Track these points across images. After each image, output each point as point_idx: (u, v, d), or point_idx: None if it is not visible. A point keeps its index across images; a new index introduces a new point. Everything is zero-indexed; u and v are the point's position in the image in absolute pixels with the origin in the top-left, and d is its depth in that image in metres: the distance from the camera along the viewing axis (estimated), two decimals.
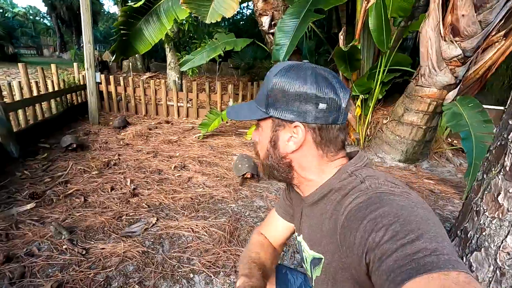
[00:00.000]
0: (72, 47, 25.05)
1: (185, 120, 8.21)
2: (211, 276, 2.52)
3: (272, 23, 5.81)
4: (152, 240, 2.97)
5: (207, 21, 4.77)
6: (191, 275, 2.53)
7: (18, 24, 29.91)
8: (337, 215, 0.82)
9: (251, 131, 6.63)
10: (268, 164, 0.99)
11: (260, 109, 0.94)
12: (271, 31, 5.90)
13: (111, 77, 8.26)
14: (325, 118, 0.87)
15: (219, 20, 4.82)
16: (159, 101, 8.58)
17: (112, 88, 8.34)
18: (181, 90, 8.57)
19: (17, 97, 5.51)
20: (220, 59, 12.76)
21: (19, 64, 5.68)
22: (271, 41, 5.85)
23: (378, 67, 5.34)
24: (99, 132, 6.57)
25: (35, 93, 6.02)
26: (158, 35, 6.23)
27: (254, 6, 5.52)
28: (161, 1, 6.00)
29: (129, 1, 11.84)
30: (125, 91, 8.38)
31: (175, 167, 4.91)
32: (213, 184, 4.37)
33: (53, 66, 6.96)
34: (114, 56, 6.57)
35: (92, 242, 2.85)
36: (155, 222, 3.23)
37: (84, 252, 2.71)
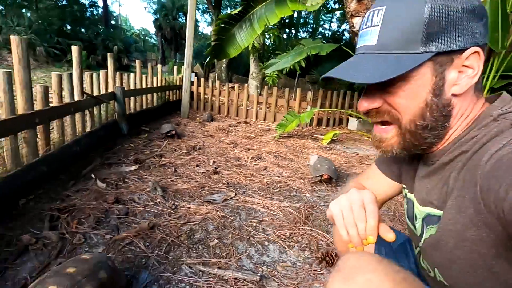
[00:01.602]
0: (170, 60, 28.74)
1: (262, 123, 8.56)
2: (285, 248, 2.51)
3: None
4: (230, 209, 3.14)
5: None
6: (266, 243, 2.58)
7: (133, 41, 36.00)
8: (476, 165, 0.67)
9: (328, 137, 6.50)
10: (420, 127, 0.76)
11: (408, 53, 0.69)
12: None
13: (202, 80, 9.22)
14: (486, 36, 0.71)
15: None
16: (240, 105, 9.16)
17: (201, 90, 9.29)
18: (261, 95, 8.98)
19: (131, 87, 6.62)
20: (300, 72, 12.95)
21: (137, 61, 6.81)
22: None
23: (488, 71, 4.70)
24: (188, 124, 7.36)
25: (144, 86, 7.13)
26: (249, 39, 6.76)
27: (346, 8, 5.55)
28: (256, 9, 6.53)
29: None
30: (212, 93, 9.23)
31: (252, 157, 5.15)
32: (288, 175, 4.42)
33: (159, 66, 8.16)
34: (208, 59, 7.35)
35: (180, 202, 3.16)
36: (233, 196, 3.41)
37: (173, 207, 3.02)
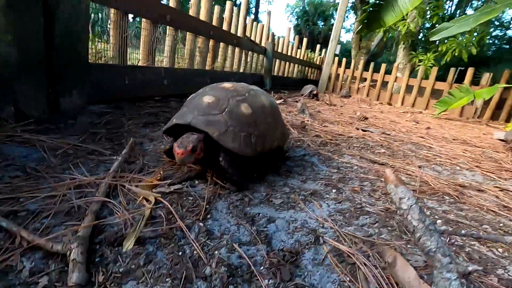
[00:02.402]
0: None
1: (410, 109, 7.35)
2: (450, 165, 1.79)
3: None
4: (386, 137, 2.61)
5: None
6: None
7: None
8: None
9: None
10: None
11: None
12: None
13: (344, 60, 8.74)
14: None
15: None
16: (382, 90, 8.19)
17: (341, 70, 8.81)
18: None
19: (279, 50, 6.86)
20: (462, 68, 10.58)
21: (297, 36, 7.01)
22: None
23: None
24: (324, 96, 7.09)
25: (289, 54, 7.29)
26: (414, 2, 5.83)
27: None
28: None
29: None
30: (352, 74, 8.61)
31: (406, 120, 4.36)
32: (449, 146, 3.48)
33: (305, 40, 8.20)
34: (359, 27, 6.78)
35: (329, 125, 2.81)
36: (390, 134, 2.85)
37: (323, 125, 2.70)
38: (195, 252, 0.95)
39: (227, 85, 1.65)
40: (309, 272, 0.94)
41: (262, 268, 0.93)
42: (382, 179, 1.80)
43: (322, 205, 1.40)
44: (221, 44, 4.29)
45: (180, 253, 0.95)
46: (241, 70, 5.06)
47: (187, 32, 3.63)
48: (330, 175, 1.81)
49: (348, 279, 0.92)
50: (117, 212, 1.11)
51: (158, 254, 0.93)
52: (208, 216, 1.18)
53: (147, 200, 1.19)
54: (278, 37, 7.04)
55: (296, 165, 1.92)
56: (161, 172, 1.47)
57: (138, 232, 0.96)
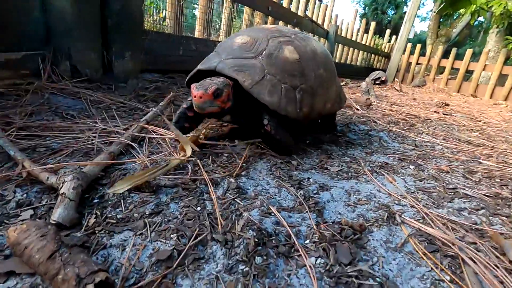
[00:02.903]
0: None
1: (504, 103, 6.12)
2: None
3: None
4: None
5: None
6: None
7: None
8: None
9: None
10: None
11: None
12: None
13: (418, 46, 7.70)
14: None
15: None
16: (466, 79, 6.98)
17: (413, 58, 7.78)
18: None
19: (343, 34, 6.30)
20: None
21: (363, 19, 6.38)
22: None
23: None
24: (392, 85, 6.31)
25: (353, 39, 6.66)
26: None
27: None
28: None
29: None
30: (428, 62, 7.53)
31: (501, 111, 3.53)
32: None
33: (372, 24, 7.42)
34: (441, 6, 5.86)
35: (398, 107, 2.31)
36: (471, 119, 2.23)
37: (391, 107, 2.21)
38: (218, 210, 0.71)
39: (268, 26, 1.33)
40: (379, 257, 0.63)
41: (307, 241, 0.64)
42: (480, 161, 1.34)
43: (397, 179, 1.04)
44: (280, 23, 4.00)
45: (199, 208, 0.71)
46: None
47: (245, 6, 3.44)
48: (405, 151, 1.41)
49: (448, 278, 0.58)
50: (139, 157, 0.94)
51: (171, 205, 0.72)
52: (243, 173, 0.93)
53: (183, 151, 0.99)
54: (342, 20, 6.48)
55: (359, 138, 1.56)
56: (204, 131, 1.28)
57: (144, 178, 0.75)
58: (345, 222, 0.69)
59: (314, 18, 5.19)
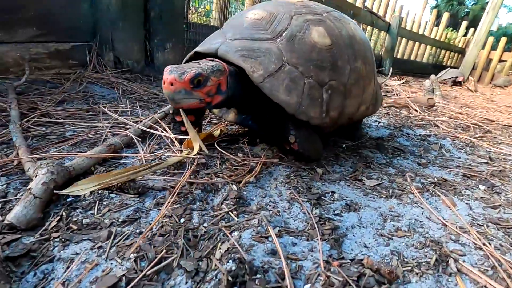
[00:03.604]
0: None
1: None
2: None
3: None
4: None
5: None
6: None
7: None
8: None
9: None
10: None
11: None
12: None
13: (502, 40, 6.55)
14: None
15: None
16: None
17: (495, 54, 6.64)
18: None
19: (407, 27, 5.65)
20: None
21: (434, 9, 5.69)
22: None
23: None
24: (466, 84, 5.47)
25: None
26: None
27: None
28: None
29: None
30: None
31: None
32: None
33: (445, 15, 6.54)
34: None
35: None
36: None
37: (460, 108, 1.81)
38: (204, 225, 0.57)
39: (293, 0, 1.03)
40: None
41: (308, 287, 0.47)
42: None
43: (458, 204, 0.78)
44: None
45: (182, 220, 0.58)
46: None
47: None
48: (474, 165, 1.10)
49: None
50: (141, 152, 0.85)
51: (152, 213, 0.60)
52: (252, 179, 0.78)
53: (191, 148, 0.88)
54: (408, 12, 5.80)
55: (413, 145, 1.28)
56: (222, 128, 1.16)
57: (122, 177, 0.63)
58: (369, 263, 0.50)
59: (374, 10, 4.73)
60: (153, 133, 0.99)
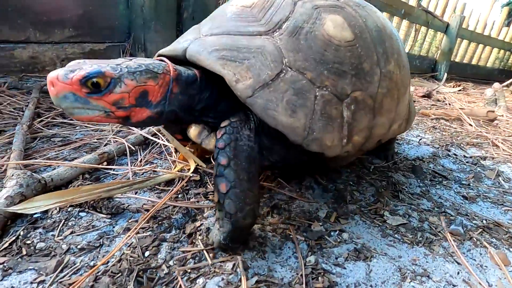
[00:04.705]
0: None
1: None
2: None
3: None
4: None
5: None
6: None
7: None
8: None
9: None
10: None
11: None
12: None
13: None
14: None
15: None
16: None
17: None
18: None
19: (470, 28, 5.04)
20: None
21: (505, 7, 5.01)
22: None
23: None
24: None
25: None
26: None
27: None
28: None
29: None
30: None
31: None
32: None
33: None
34: None
35: None
36: None
37: None
38: (169, 263, 0.48)
39: None
40: None
41: None
42: None
43: None
44: (384, 14, 3.41)
45: (147, 253, 0.50)
46: (405, 50, 3.96)
47: None
48: None
49: None
50: (135, 163, 0.80)
51: (116, 241, 0.53)
52: None
53: (185, 161, 0.80)
54: (471, 10, 5.17)
55: (460, 169, 1.05)
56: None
57: (88, 195, 0.56)
58: None
59: (430, 9, 4.28)
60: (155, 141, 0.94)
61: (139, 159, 0.83)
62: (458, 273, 0.54)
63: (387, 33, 0.77)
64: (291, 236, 0.58)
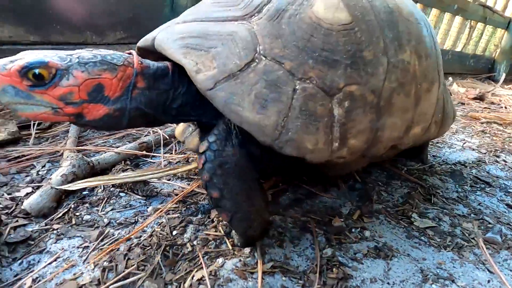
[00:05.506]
0: None
1: None
2: None
3: None
4: None
5: None
6: None
7: None
8: None
9: None
10: None
11: None
12: None
13: None
14: None
15: None
16: None
17: None
18: None
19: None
20: None
21: None
22: None
23: None
24: None
25: None
26: None
27: None
28: None
29: None
30: None
31: None
32: None
33: None
34: None
35: None
36: None
37: None
38: (194, 242, 0.52)
39: None
40: None
41: None
42: None
43: None
44: (433, 11, 3.18)
45: (175, 232, 0.55)
46: (457, 49, 3.67)
47: None
48: None
49: None
50: (170, 153, 0.86)
51: (150, 219, 0.59)
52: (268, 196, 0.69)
53: None
54: None
55: (508, 177, 0.96)
56: None
57: (117, 179, 0.63)
58: None
59: (489, 3, 3.91)
60: None
61: (173, 149, 0.89)
62: (489, 281, 0.51)
63: (402, 16, 0.66)
64: (310, 228, 0.59)
